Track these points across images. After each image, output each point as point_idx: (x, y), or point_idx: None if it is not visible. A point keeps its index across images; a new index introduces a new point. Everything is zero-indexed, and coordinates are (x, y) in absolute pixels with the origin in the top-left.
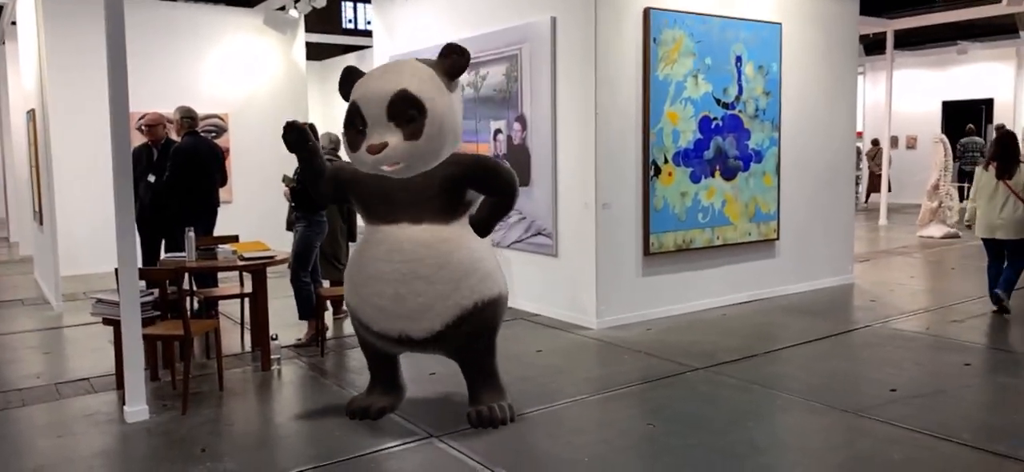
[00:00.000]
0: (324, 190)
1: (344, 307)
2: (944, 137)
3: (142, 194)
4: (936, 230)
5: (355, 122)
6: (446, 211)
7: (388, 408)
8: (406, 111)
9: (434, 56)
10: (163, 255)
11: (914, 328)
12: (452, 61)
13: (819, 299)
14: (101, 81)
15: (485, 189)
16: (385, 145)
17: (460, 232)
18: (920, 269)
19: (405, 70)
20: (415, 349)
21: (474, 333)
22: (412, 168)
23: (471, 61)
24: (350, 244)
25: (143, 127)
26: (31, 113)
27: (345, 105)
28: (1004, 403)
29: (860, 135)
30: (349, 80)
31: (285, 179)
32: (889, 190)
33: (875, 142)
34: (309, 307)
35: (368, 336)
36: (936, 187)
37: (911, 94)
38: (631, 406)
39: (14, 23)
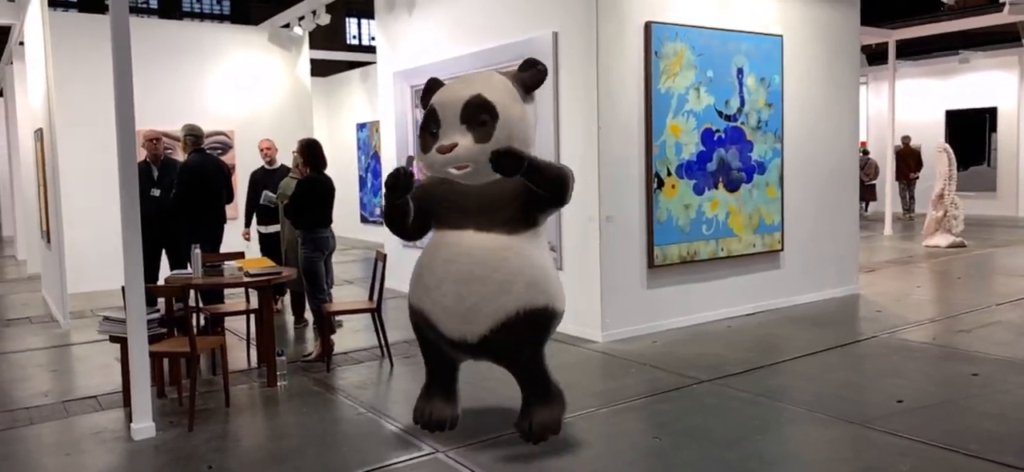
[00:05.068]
0: (413, 231)
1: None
2: (948, 146)
3: (147, 209)
4: (942, 239)
5: (430, 125)
6: (514, 222)
7: (457, 418)
8: (479, 115)
9: (439, 72)
10: (167, 272)
11: (921, 338)
12: (531, 74)
13: (825, 310)
14: (108, 100)
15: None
16: (454, 145)
17: (523, 244)
18: (926, 279)
19: (482, 79)
20: (472, 355)
21: (517, 341)
22: (479, 174)
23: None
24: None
25: (143, 142)
26: (39, 132)
27: (348, 120)
28: (1012, 413)
29: (864, 144)
30: (431, 90)
31: (280, 196)
32: (872, 200)
33: (864, 151)
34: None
35: (433, 336)
36: (941, 197)
37: (914, 103)
38: (638, 420)
39: (22, 43)
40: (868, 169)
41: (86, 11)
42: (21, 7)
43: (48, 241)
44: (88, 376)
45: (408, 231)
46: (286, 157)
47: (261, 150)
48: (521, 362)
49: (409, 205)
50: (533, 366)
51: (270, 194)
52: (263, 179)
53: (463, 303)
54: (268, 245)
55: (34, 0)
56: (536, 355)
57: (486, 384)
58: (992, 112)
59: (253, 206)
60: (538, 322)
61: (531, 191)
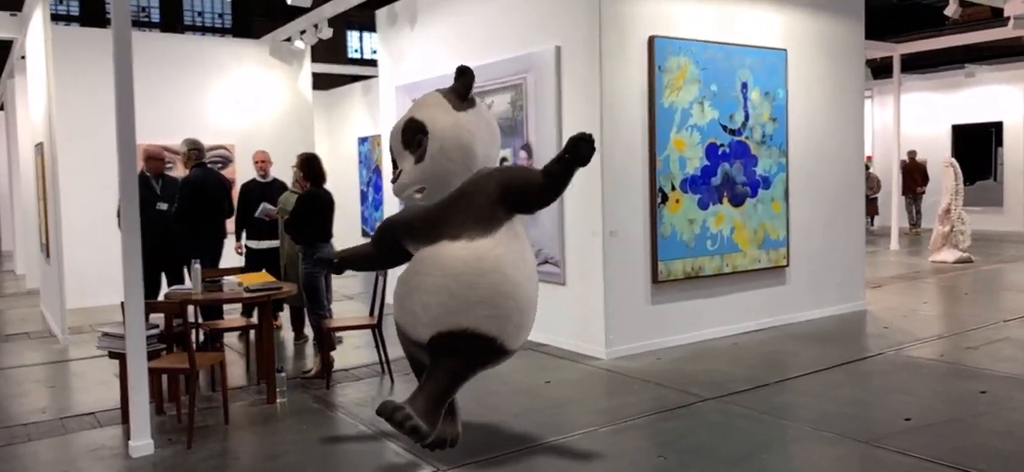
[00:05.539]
0: (385, 260)
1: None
2: (954, 161)
3: (153, 223)
4: (948, 255)
5: (394, 162)
6: (482, 224)
7: (458, 434)
8: (413, 137)
9: (441, 86)
10: (167, 288)
11: (928, 355)
12: (460, 82)
13: (831, 326)
14: (109, 114)
15: (516, 199)
16: (400, 172)
17: (500, 252)
18: (933, 295)
19: (418, 101)
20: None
21: (450, 350)
22: (435, 190)
23: (477, 89)
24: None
25: (145, 158)
26: (39, 146)
27: (350, 134)
28: (1020, 431)
29: (870, 159)
30: None
31: (280, 212)
32: (875, 214)
33: (865, 166)
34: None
35: (409, 348)
36: (947, 212)
37: (920, 117)
38: (642, 438)
39: (23, 57)
40: (871, 183)
41: (87, 25)
42: (23, 21)
43: (47, 255)
44: (86, 392)
45: (381, 267)
46: (282, 171)
47: (256, 162)
48: (442, 366)
49: (365, 258)
50: (446, 375)
51: (268, 206)
52: (255, 192)
53: (430, 312)
54: (258, 261)
55: (36, 14)
56: (457, 370)
57: (488, 400)
58: (998, 126)
59: (245, 219)
60: (477, 345)
61: (509, 189)
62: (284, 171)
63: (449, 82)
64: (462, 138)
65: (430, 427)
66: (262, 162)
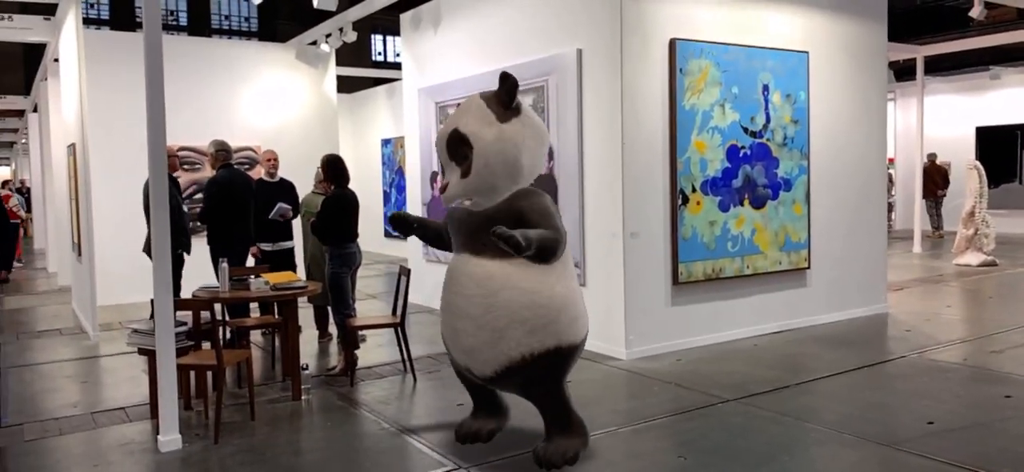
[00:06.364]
0: (444, 248)
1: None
2: (978, 164)
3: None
4: (973, 258)
5: (442, 170)
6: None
7: (496, 429)
8: (459, 150)
9: (464, 89)
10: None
11: (951, 359)
12: (503, 88)
13: (852, 329)
14: (139, 115)
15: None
16: (447, 184)
17: (511, 271)
18: (957, 298)
19: (462, 110)
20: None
21: (528, 383)
22: (484, 200)
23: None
24: None
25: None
26: (71, 147)
27: (374, 136)
28: None
29: (892, 161)
30: None
31: (305, 214)
32: (893, 215)
33: None
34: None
35: (451, 356)
36: (971, 214)
37: (944, 120)
38: (662, 438)
39: (57, 60)
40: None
41: (118, 29)
42: (56, 25)
43: (79, 254)
44: (116, 388)
45: (438, 242)
46: (308, 172)
47: (267, 161)
48: (536, 397)
49: (425, 232)
50: (549, 400)
51: (283, 206)
52: (263, 193)
53: (459, 340)
54: (270, 264)
55: (69, 18)
56: (552, 391)
57: (510, 399)
58: (1023, 128)
59: (257, 221)
60: (548, 363)
61: (503, 221)
62: (309, 172)
63: (474, 84)
64: (506, 151)
65: (582, 436)
66: (272, 161)
